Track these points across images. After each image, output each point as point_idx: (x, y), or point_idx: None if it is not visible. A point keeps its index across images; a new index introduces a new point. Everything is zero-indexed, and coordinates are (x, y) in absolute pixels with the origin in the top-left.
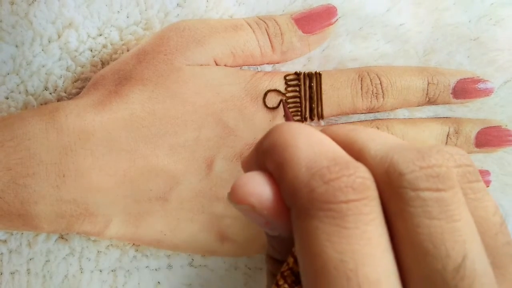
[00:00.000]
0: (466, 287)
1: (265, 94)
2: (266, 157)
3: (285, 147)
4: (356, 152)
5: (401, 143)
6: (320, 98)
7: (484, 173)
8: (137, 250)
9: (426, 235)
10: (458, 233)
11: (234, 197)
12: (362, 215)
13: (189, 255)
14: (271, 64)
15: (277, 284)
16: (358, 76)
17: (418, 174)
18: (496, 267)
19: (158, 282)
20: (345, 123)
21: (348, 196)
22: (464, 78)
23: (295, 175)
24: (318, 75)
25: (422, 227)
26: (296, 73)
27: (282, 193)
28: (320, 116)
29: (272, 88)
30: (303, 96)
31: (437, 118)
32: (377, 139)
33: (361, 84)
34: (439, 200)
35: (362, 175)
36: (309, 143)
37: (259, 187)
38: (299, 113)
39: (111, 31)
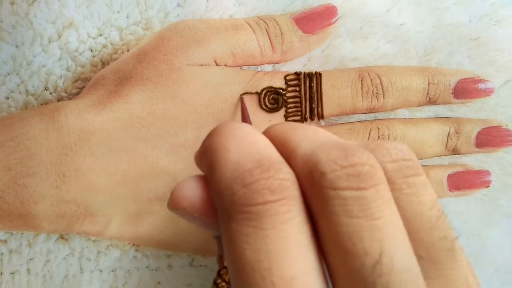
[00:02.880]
0: (384, 283)
1: (262, 92)
2: (202, 157)
3: (216, 150)
4: (288, 152)
5: (330, 141)
6: (320, 98)
7: (484, 173)
8: (137, 250)
9: (346, 234)
10: (377, 230)
11: (170, 203)
12: (279, 215)
13: (189, 255)
14: (271, 64)
15: (215, 283)
16: (359, 76)
17: (338, 174)
18: (430, 262)
19: (158, 282)
20: (345, 123)
21: (265, 197)
22: (465, 78)
23: (220, 178)
24: (318, 75)
25: (342, 225)
26: (296, 73)
27: (211, 195)
28: (321, 116)
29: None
30: (303, 96)
31: (437, 118)
32: (310, 137)
33: (362, 84)
34: (359, 198)
35: (281, 177)
36: (240, 145)
37: (189, 191)
38: (299, 113)
39: (111, 31)
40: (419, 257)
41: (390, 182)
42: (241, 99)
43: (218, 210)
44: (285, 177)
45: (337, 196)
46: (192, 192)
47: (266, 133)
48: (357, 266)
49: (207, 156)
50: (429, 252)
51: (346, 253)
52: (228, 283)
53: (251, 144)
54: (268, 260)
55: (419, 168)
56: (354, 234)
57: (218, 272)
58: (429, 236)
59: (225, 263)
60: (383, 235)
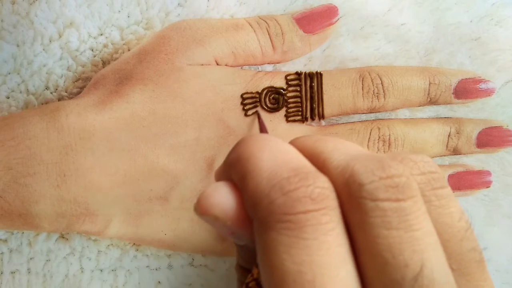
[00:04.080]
0: None
1: (263, 92)
2: (231, 169)
3: (248, 159)
4: (320, 163)
5: (363, 153)
6: (321, 98)
7: (485, 173)
8: (137, 250)
9: (385, 245)
10: (417, 242)
11: (199, 208)
12: (321, 225)
13: (190, 254)
14: (272, 64)
15: None
16: (359, 76)
17: (377, 185)
18: (461, 274)
19: (159, 281)
20: (345, 123)
21: (306, 206)
22: (466, 78)
23: (256, 187)
24: (319, 75)
25: (381, 237)
26: (297, 73)
27: (245, 205)
28: (321, 116)
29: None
30: (304, 96)
31: (438, 118)
32: (341, 149)
33: (362, 84)
34: (398, 210)
35: (321, 185)
36: (272, 154)
37: (222, 198)
38: (300, 113)
39: (112, 30)
40: (451, 269)
41: (420, 194)
42: (258, 114)
43: (253, 219)
44: (325, 186)
45: (376, 207)
46: (226, 199)
47: (293, 144)
48: (397, 279)
49: (238, 166)
50: (460, 263)
51: (385, 265)
52: None
53: (284, 153)
54: (311, 272)
55: (445, 180)
56: (394, 246)
57: (247, 285)
58: (460, 247)
59: (255, 275)
60: (423, 247)
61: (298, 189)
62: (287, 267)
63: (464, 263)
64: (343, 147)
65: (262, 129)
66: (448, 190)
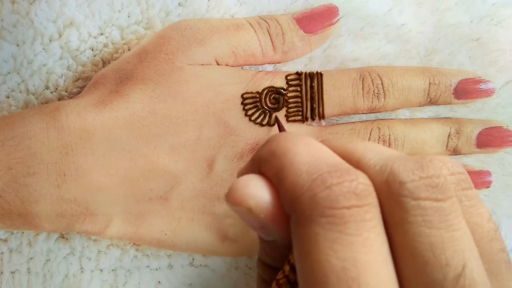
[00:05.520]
0: None
1: (263, 92)
2: (263, 165)
3: (284, 153)
4: (354, 162)
5: (398, 153)
6: (321, 98)
7: (485, 173)
8: (137, 250)
9: (427, 244)
10: (457, 242)
11: (232, 198)
12: (364, 221)
13: (190, 255)
14: (272, 64)
15: None
16: (360, 76)
17: (418, 184)
18: (491, 273)
19: (159, 281)
20: (346, 123)
21: (351, 201)
22: (466, 79)
23: (295, 180)
24: (319, 75)
25: (422, 236)
26: (297, 73)
27: (281, 199)
28: (321, 116)
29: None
30: (304, 96)
31: (438, 119)
32: (374, 150)
33: (363, 84)
34: (438, 209)
35: (363, 181)
36: (308, 149)
37: (258, 190)
38: (300, 113)
39: (112, 30)
40: None
41: None
42: (276, 118)
43: (292, 213)
44: (367, 183)
45: (417, 206)
46: (261, 191)
47: (323, 144)
48: (438, 278)
49: (273, 160)
50: (490, 264)
51: (426, 264)
52: None
53: (319, 149)
54: (356, 269)
55: (471, 181)
56: (436, 245)
57: (277, 282)
58: (490, 248)
59: (286, 272)
60: (463, 247)
61: (341, 183)
62: (330, 263)
63: (494, 263)
64: (376, 148)
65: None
66: (475, 191)
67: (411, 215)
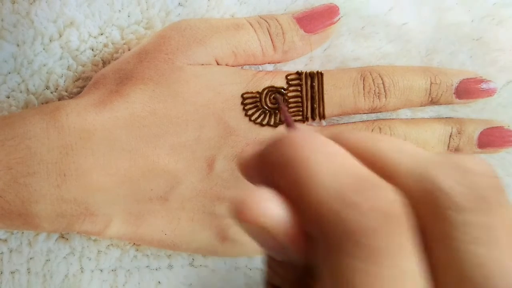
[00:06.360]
0: None
1: (263, 92)
2: (275, 171)
3: (302, 163)
4: (378, 167)
5: (434, 156)
6: (321, 98)
7: None
8: (137, 250)
9: (476, 265)
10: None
11: (244, 215)
12: (402, 248)
13: (190, 255)
14: (272, 63)
15: None
16: (360, 75)
17: (466, 197)
18: None
19: (159, 282)
20: (346, 123)
21: (389, 227)
22: (467, 78)
23: (319, 200)
24: (319, 75)
25: (470, 254)
26: (297, 73)
27: (302, 218)
28: (322, 116)
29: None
30: (305, 96)
31: (439, 119)
32: (404, 151)
33: (363, 83)
34: (487, 226)
35: (393, 198)
36: (328, 158)
37: (274, 207)
38: (300, 113)
39: (112, 30)
40: None
41: None
42: (277, 99)
43: (319, 237)
44: (397, 199)
45: (466, 221)
46: (278, 209)
47: (338, 143)
48: None
49: (288, 171)
50: None
51: (472, 285)
52: None
53: (338, 157)
54: None
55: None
56: (486, 265)
57: None
58: None
59: None
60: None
61: (375, 205)
62: None
63: None
64: (405, 148)
65: (290, 124)
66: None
67: (458, 231)
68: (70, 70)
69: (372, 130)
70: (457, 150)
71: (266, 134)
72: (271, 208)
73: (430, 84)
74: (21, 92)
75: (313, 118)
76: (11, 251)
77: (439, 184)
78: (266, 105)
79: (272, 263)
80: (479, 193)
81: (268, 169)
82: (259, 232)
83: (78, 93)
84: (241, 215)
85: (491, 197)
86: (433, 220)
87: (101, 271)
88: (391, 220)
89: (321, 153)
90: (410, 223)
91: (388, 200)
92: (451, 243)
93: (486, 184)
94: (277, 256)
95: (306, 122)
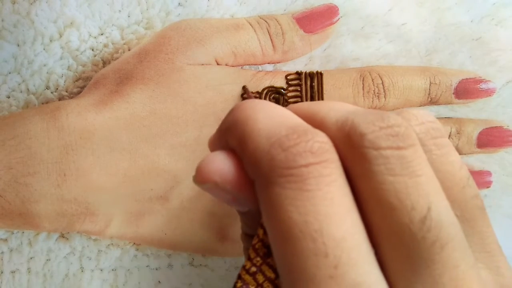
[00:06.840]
0: (433, 237)
1: (263, 92)
2: (228, 135)
3: (246, 121)
4: (318, 122)
5: (360, 108)
6: (321, 98)
7: (485, 173)
8: (137, 250)
9: (391, 191)
10: (421, 187)
11: (198, 177)
12: (323, 176)
13: (190, 254)
14: (272, 63)
15: (249, 258)
16: (360, 75)
17: (378, 134)
18: (465, 220)
19: (159, 281)
20: None
21: (308, 159)
22: (466, 78)
23: (255, 146)
24: (319, 75)
25: (386, 183)
26: (297, 73)
27: (245, 166)
28: None
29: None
30: (304, 96)
31: (439, 118)
32: (337, 107)
33: (363, 84)
34: (400, 157)
35: (320, 140)
36: (269, 115)
37: (220, 163)
38: None
39: (112, 30)
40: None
41: (421, 144)
42: (244, 88)
43: (255, 179)
44: (324, 140)
45: (379, 155)
46: (223, 164)
47: (289, 109)
48: (405, 222)
49: (236, 129)
50: (463, 210)
51: (392, 210)
52: (262, 257)
53: (279, 114)
54: (318, 222)
55: (443, 130)
56: (401, 191)
57: (253, 246)
58: (463, 195)
59: (260, 236)
60: (427, 191)
61: (298, 144)
62: (293, 219)
63: (467, 209)
64: (339, 105)
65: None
66: (447, 140)
67: (373, 164)
68: (70, 70)
69: None
70: (456, 149)
71: None
72: (219, 166)
73: (430, 84)
74: (21, 92)
75: None
76: (11, 251)
77: (356, 126)
78: None
79: (241, 216)
80: (393, 131)
81: (224, 136)
82: (213, 189)
83: (78, 93)
84: (195, 178)
85: (403, 134)
86: (354, 158)
87: (101, 270)
88: (315, 155)
89: (263, 113)
90: (337, 162)
91: (317, 141)
92: (369, 176)
93: (399, 123)
94: (239, 207)
95: None
